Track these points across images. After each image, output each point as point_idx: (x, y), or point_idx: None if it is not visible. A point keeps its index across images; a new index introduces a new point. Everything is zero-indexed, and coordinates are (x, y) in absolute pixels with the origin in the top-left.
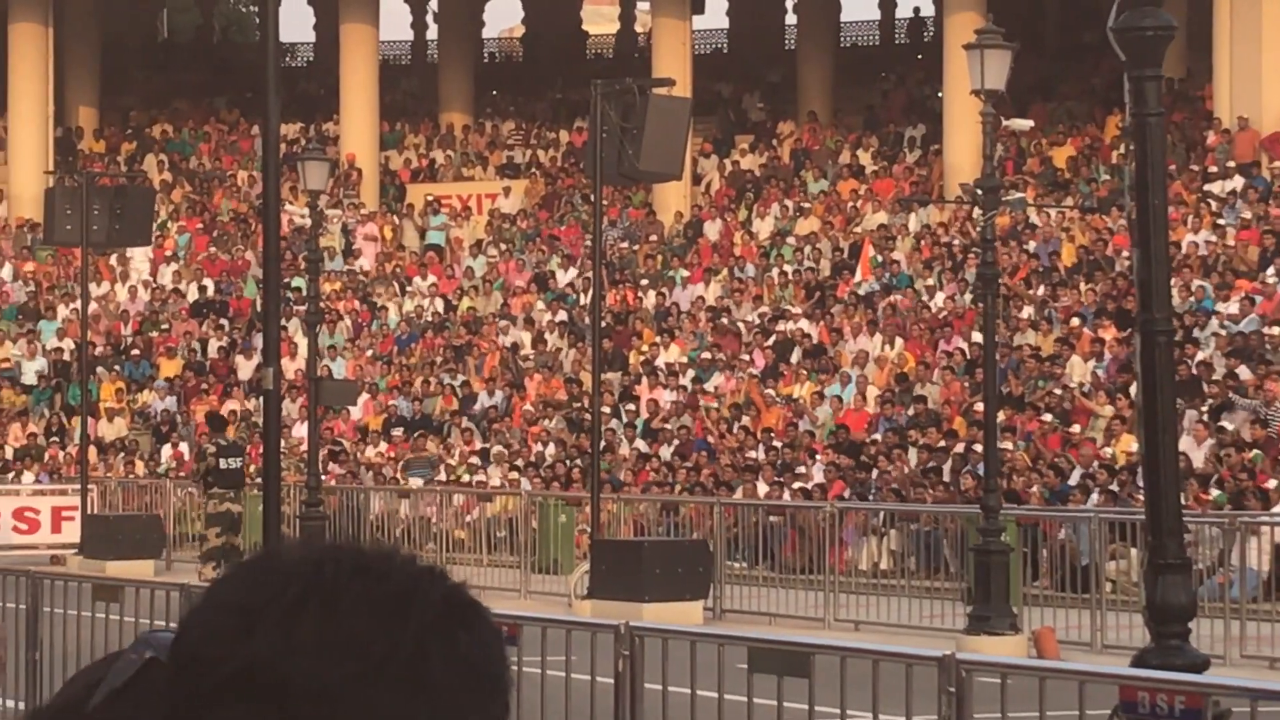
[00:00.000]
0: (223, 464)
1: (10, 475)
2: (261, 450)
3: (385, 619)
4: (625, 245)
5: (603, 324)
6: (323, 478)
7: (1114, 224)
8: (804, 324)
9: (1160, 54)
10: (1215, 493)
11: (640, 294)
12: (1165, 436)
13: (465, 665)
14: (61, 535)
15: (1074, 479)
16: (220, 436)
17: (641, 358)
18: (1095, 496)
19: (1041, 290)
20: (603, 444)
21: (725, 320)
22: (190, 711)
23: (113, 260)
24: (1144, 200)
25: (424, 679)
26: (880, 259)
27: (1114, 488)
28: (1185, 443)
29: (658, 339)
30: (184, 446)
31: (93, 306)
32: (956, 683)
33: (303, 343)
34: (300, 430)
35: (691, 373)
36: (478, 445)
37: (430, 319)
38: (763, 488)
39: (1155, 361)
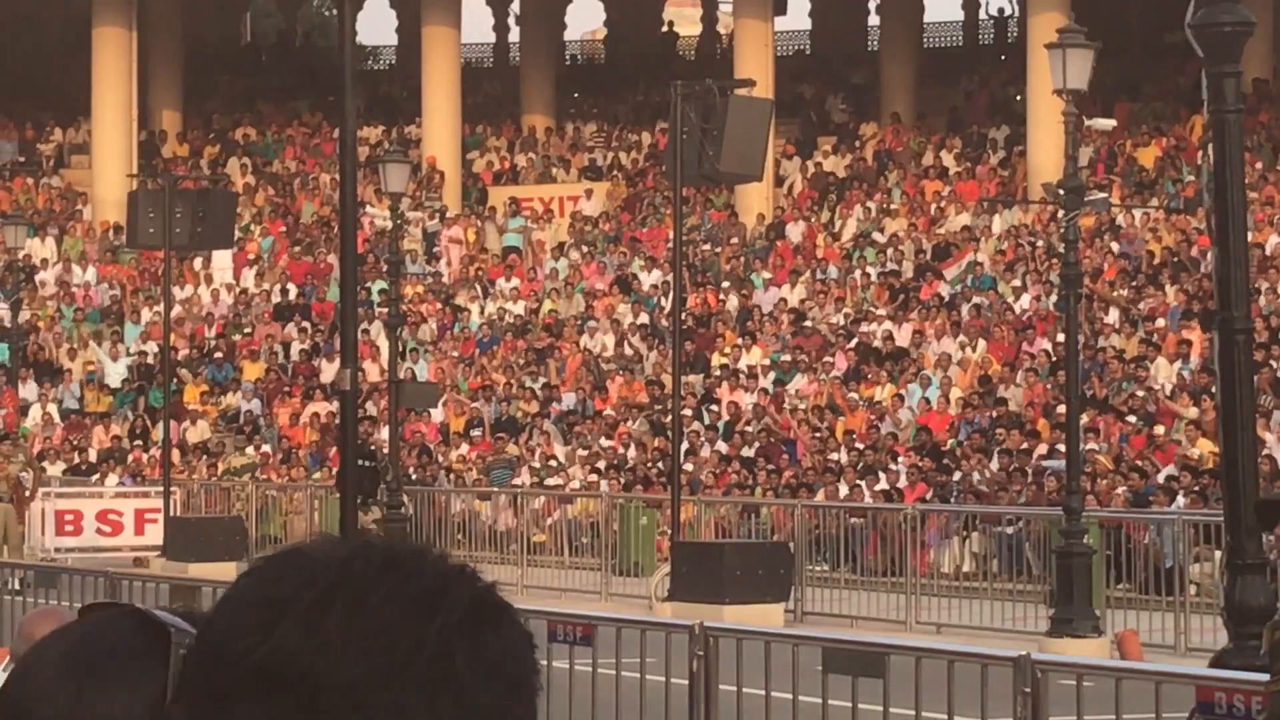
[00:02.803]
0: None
1: (94, 477)
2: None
3: (412, 616)
4: (707, 247)
5: (684, 326)
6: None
7: (1199, 224)
8: (887, 326)
9: (1238, 50)
10: None
11: (722, 296)
12: (1244, 435)
13: (490, 667)
14: (145, 537)
15: (1158, 481)
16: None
17: (723, 360)
18: (1181, 499)
19: (1126, 291)
20: (684, 446)
21: (808, 322)
22: (214, 703)
23: (196, 263)
24: (1222, 197)
25: (448, 678)
26: (963, 265)
27: (1198, 489)
28: (1271, 443)
29: (739, 341)
30: (267, 448)
31: (176, 309)
32: (1032, 683)
33: (385, 345)
34: (383, 433)
35: (773, 375)
36: (559, 448)
37: (512, 321)
38: (844, 490)
39: (1234, 360)
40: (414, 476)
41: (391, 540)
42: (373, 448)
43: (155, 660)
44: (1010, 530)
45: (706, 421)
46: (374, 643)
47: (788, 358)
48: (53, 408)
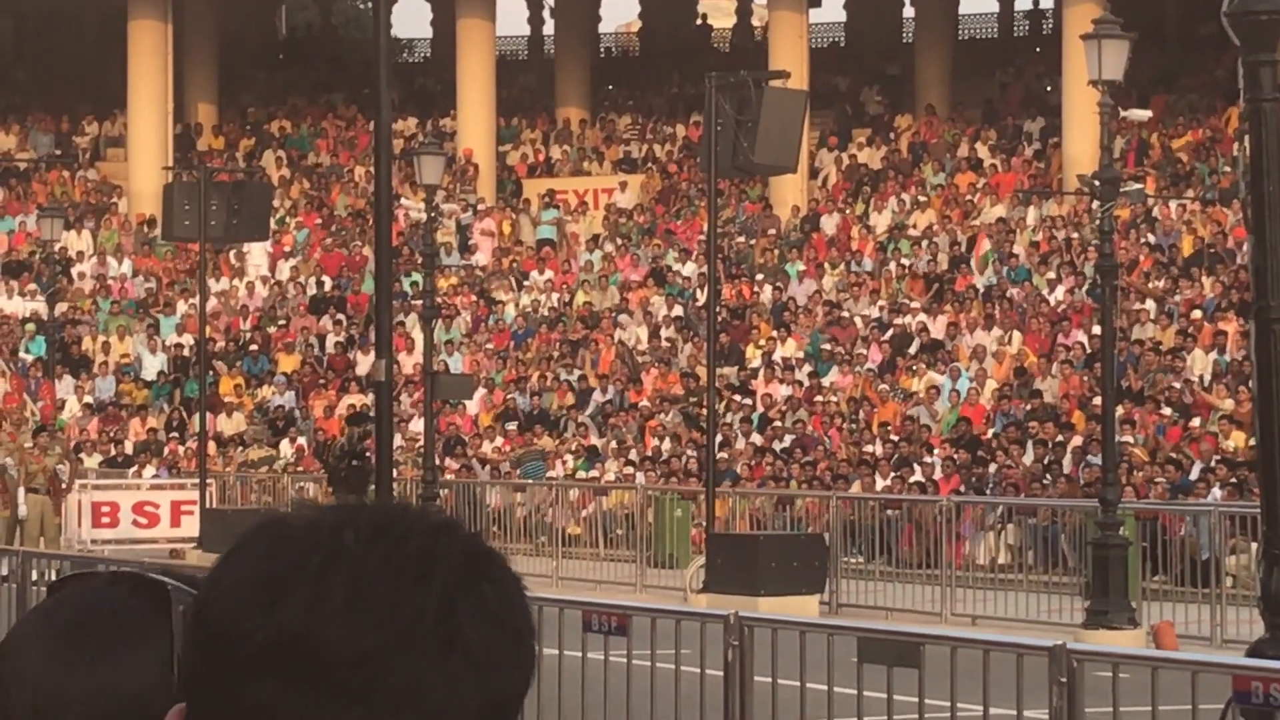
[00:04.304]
0: (354, 463)
1: (130, 470)
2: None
3: (411, 581)
4: (742, 239)
5: (719, 318)
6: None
7: (1235, 216)
8: (921, 318)
9: (1275, 38)
10: None
11: (756, 288)
12: None
13: (493, 618)
14: (181, 529)
15: (1194, 473)
16: (355, 433)
17: (758, 352)
18: (1217, 491)
19: (1162, 283)
20: (719, 438)
21: (843, 314)
22: (224, 687)
23: (231, 256)
24: (1258, 187)
25: (455, 637)
26: (996, 254)
27: (1235, 481)
28: None
29: (774, 333)
30: (302, 441)
31: (212, 302)
32: (1068, 673)
33: (420, 337)
34: (417, 425)
35: (808, 367)
36: (594, 440)
37: (547, 314)
38: (880, 482)
39: (1270, 350)
40: (448, 474)
41: (372, 505)
42: (361, 447)
43: (157, 621)
44: (1046, 522)
45: (740, 414)
46: (378, 612)
47: (824, 348)
48: (89, 400)
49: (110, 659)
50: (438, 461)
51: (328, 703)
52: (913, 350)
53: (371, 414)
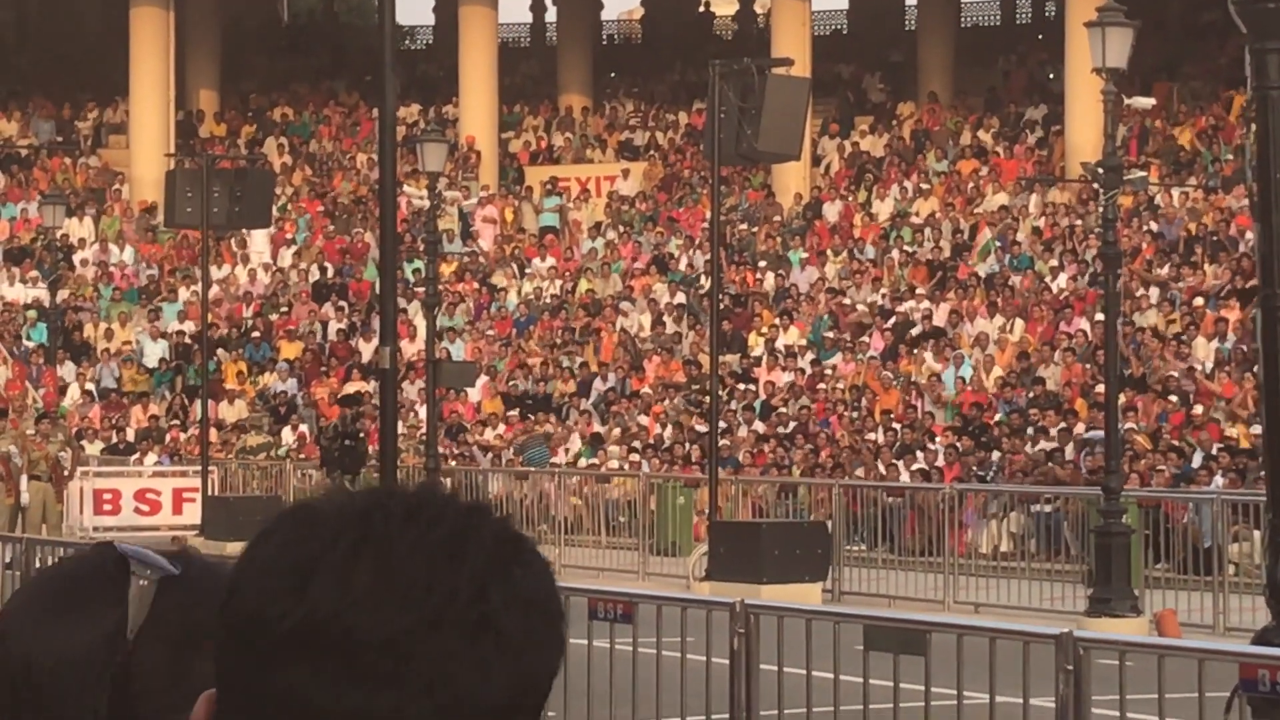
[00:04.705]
0: (346, 444)
1: (132, 457)
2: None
3: (443, 563)
4: (744, 227)
5: (721, 306)
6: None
7: (1237, 204)
8: (925, 305)
9: None
10: None
11: (759, 275)
12: None
13: (524, 601)
14: (182, 516)
15: (1196, 461)
16: (347, 414)
17: (760, 339)
18: (1220, 479)
19: (1165, 270)
20: (721, 426)
21: (845, 302)
22: (252, 672)
23: (233, 243)
24: (1265, 175)
25: (486, 621)
26: (998, 243)
27: (1237, 469)
28: None
29: (777, 321)
30: (304, 428)
31: (214, 289)
32: (1074, 661)
33: (422, 325)
34: (420, 412)
35: (810, 354)
36: (596, 427)
37: (549, 301)
38: (882, 470)
39: (1276, 337)
40: (451, 461)
41: (400, 488)
42: (354, 428)
43: (109, 591)
44: (1049, 510)
45: (743, 401)
46: (408, 595)
47: (826, 335)
48: (91, 387)
49: (54, 627)
50: (440, 449)
51: (358, 685)
52: (914, 338)
53: (360, 395)
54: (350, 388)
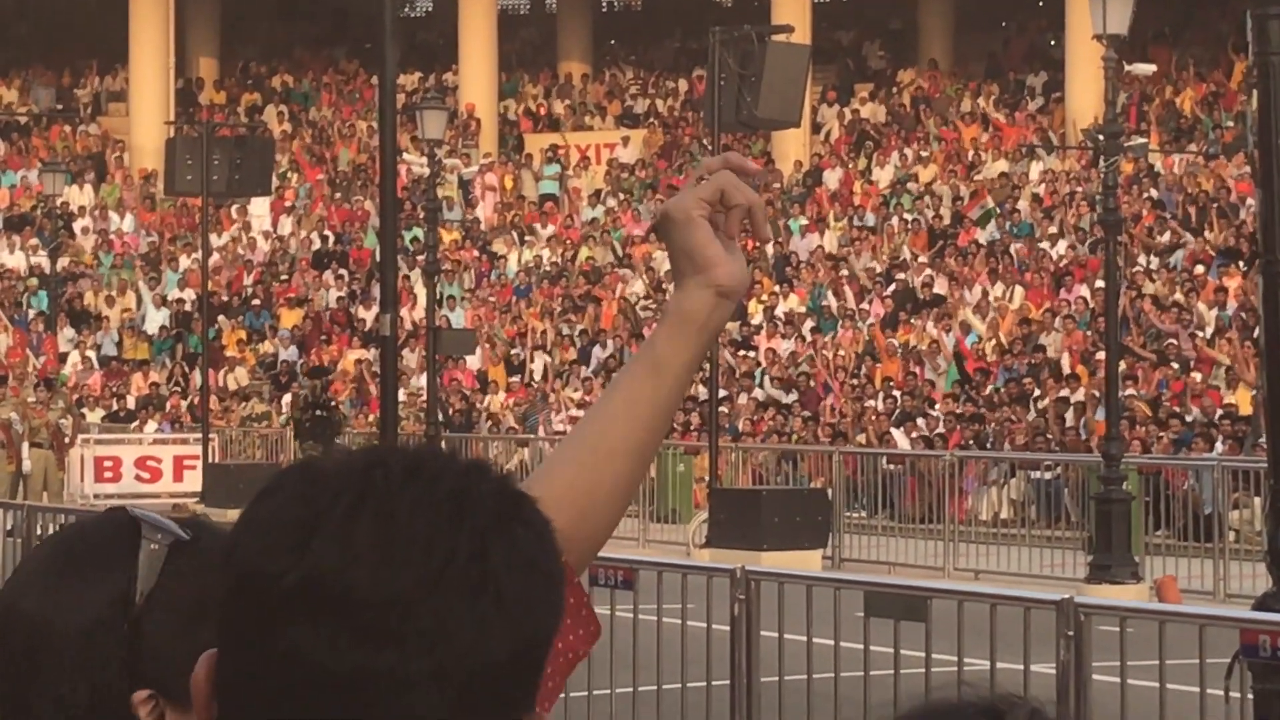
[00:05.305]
0: (317, 414)
1: (133, 424)
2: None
3: (443, 522)
4: None
5: None
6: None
7: (1238, 170)
8: (926, 273)
9: None
10: None
11: (759, 243)
12: None
13: (525, 560)
14: (183, 484)
15: (1196, 428)
16: (316, 385)
17: (760, 307)
18: (1220, 445)
19: (1166, 237)
20: (721, 393)
21: (845, 269)
22: (253, 631)
23: (233, 210)
24: (1266, 141)
25: (486, 579)
26: (998, 209)
27: (1238, 436)
28: None
29: (776, 288)
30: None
31: (214, 257)
32: (1075, 627)
33: (422, 292)
34: (420, 380)
35: (810, 322)
36: (597, 394)
37: (549, 269)
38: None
39: (1278, 303)
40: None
41: (399, 447)
42: (325, 398)
43: (119, 556)
44: (1049, 477)
45: (743, 369)
46: (409, 553)
47: (826, 304)
48: (91, 354)
49: (69, 585)
50: (439, 416)
51: (359, 644)
52: (915, 306)
53: (330, 368)
54: (351, 355)
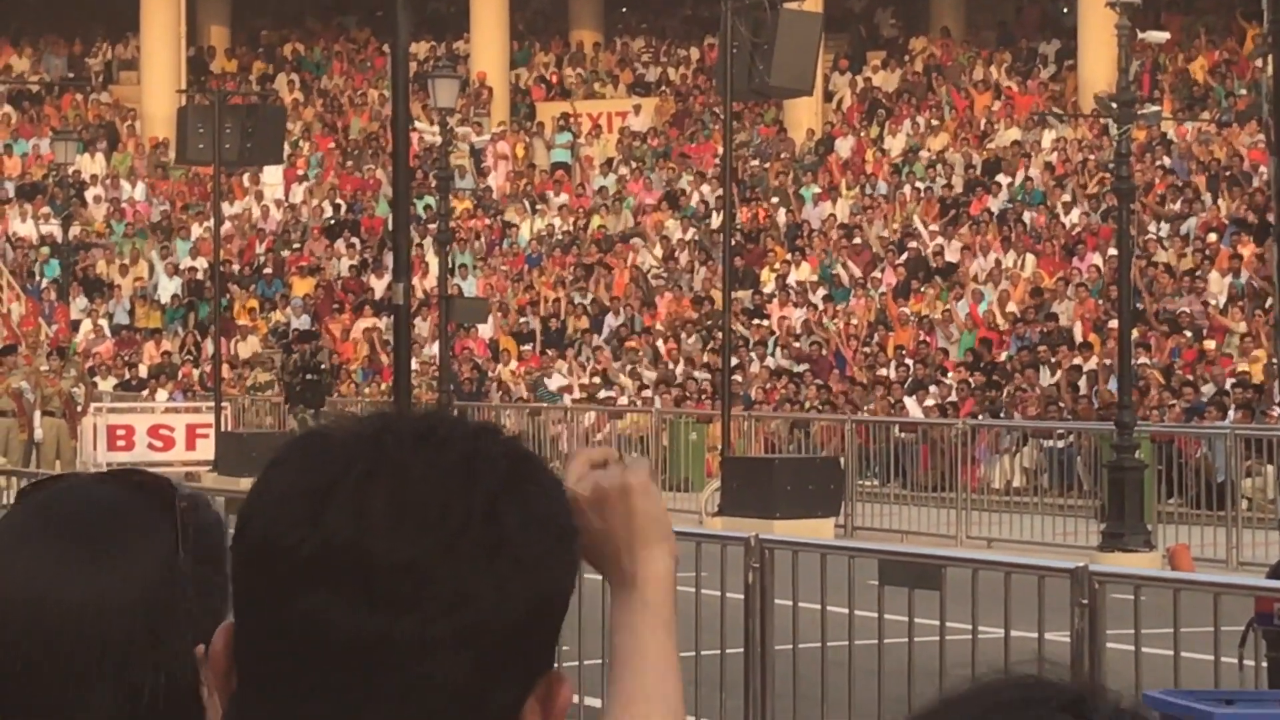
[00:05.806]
0: (308, 378)
1: (145, 393)
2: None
3: (456, 485)
4: (756, 163)
5: (733, 242)
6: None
7: (1251, 138)
8: (938, 241)
9: None
10: None
11: (771, 211)
12: None
13: (538, 520)
14: (196, 452)
15: (1209, 396)
16: (306, 349)
17: (773, 275)
18: (1232, 413)
19: (1178, 205)
20: (733, 361)
21: (857, 238)
22: (269, 602)
23: (245, 179)
24: (1279, 107)
25: (502, 540)
26: (1011, 180)
27: (1250, 404)
28: None
29: (789, 257)
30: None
31: (226, 225)
32: (1089, 595)
33: (434, 261)
34: (432, 348)
35: (823, 290)
36: (608, 363)
37: (561, 237)
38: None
39: None
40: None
41: (410, 413)
42: (315, 361)
43: (159, 519)
44: (1061, 445)
45: (755, 337)
46: (423, 518)
47: (837, 272)
48: (103, 323)
49: (110, 558)
50: (451, 386)
51: (377, 611)
52: (928, 274)
53: (316, 331)
54: (362, 324)
